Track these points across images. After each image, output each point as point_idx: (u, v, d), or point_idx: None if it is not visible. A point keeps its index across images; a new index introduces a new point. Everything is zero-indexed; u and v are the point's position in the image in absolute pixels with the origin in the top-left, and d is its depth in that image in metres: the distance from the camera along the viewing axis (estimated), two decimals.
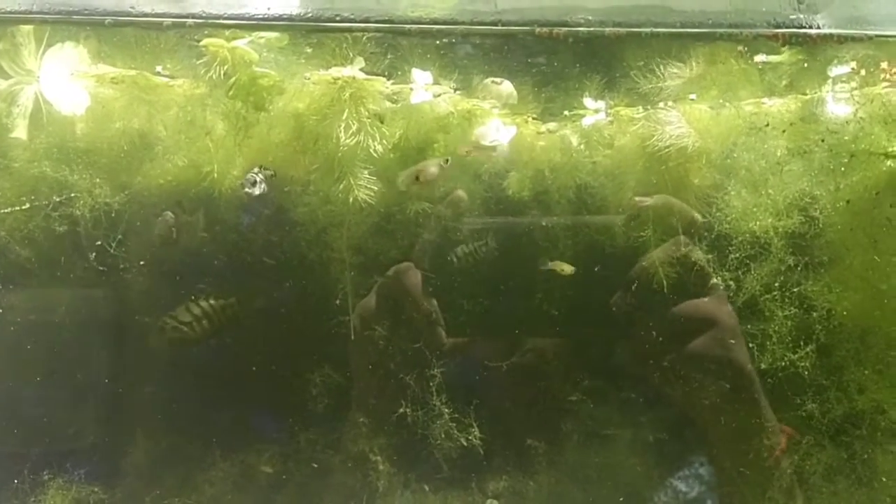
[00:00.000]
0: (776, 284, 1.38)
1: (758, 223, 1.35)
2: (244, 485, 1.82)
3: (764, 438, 1.45)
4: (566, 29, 1.25)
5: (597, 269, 1.65)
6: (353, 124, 1.44)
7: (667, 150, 1.55)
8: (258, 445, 1.82)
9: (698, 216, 1.53)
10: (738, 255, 1.38)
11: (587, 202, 1.79)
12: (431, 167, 1.62)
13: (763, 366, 1.39)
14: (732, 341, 1.44)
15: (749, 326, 1.42)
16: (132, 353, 1.83)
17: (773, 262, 1.37)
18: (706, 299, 1.48)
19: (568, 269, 1.62)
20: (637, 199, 1.63)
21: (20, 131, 1.46)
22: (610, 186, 1.76)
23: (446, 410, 1.65)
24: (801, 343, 1.40)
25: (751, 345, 1.40)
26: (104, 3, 1.26)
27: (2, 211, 1.39)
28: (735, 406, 1.45)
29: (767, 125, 1.35)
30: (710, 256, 1.41)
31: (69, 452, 1.64)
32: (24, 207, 1.40)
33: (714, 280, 1.48)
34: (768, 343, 1.39)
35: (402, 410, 1.65)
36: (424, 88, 1.52)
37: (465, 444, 1.67)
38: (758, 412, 1.46)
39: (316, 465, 1.77)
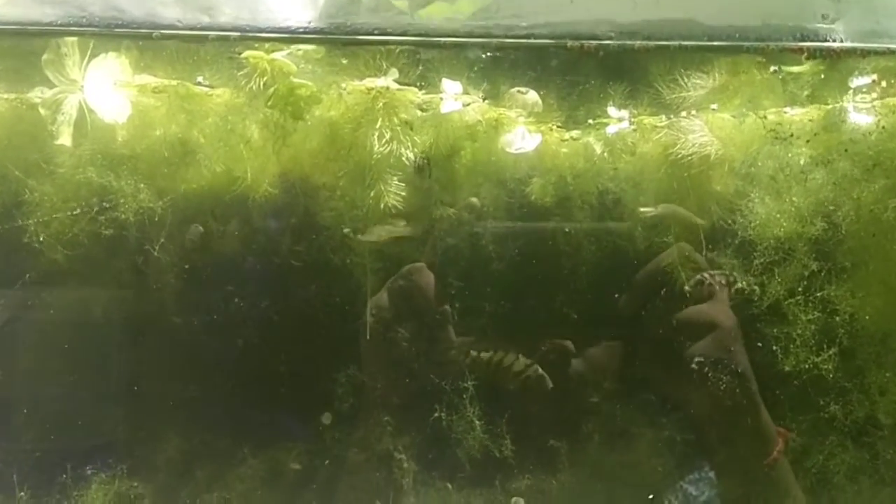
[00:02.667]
0: (799, 289, 1.42)
1: (782, 229, 1.38)
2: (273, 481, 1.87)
3: (761, 441, 1.50)
4: (596, 42, 1.29)
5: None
6: (386, 132, 1.49)
7: (689, 157, 1.59)
8: (287, 443, 1.88)
9: (702, 223, 1.58)
10: (762, 260, 1.42)
11: (609, 207, 1.83)
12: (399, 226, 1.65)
13: (787, 368, 1.42)
14: (732, 345, 1.49)
15: (774, 330, 1.45)
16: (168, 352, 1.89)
17: (796, 267, 1.41)
18: (707, 304, 1.54)
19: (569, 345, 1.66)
20: (642, 209, 1.68)
21: (65, 138, 1.50)
22: (631, 192, 1.80)
23: (470, 411, 1.69)
24: (825, 346, 1.44)
25: (775, 348, 1.43)
26: (152, 16, 1.31)
27: (57, 215, 1.45)
28: (733, 408, 1.50)
29: (792, 135, 1.39)
30: (734, 262, 1.44)
31: (109, 448, 1.68)
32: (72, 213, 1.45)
33: (712, 282, 1.54)
34: (792, 346, 1.42)
35: (419, 409, 1.70)
36: (454, 98, 1.56)
37: (487, 443, 1.72)
38: (755, 414, 1.50)
39: (328, 462, 1.81)
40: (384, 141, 1.48)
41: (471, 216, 1.78)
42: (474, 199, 1.75)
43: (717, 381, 1.49)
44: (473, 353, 1.66)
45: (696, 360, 1.50)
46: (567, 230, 1.82)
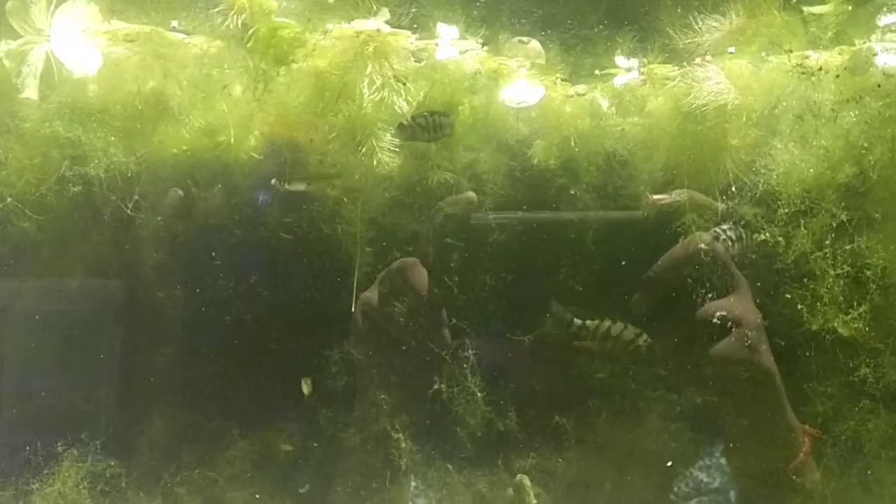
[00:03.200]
0: (826, 242, 1.30)
1: (808, 175, 1.27)
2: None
3: (787, 443, 1.40)
4: None
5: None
6: (377, 79, 1.38)
7: (703, 108, 1.48)
8: (278, 424, 1.78)
9: (720, 207, 1.46)
10: (787, 210, 1.30)
11: (616, 171, 1.72)
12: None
13: (814, 328, 1.31)
14: (756, 342, 1.37)
15: (799, 287, 1.34)
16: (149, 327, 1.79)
17: (823, 217, 1.29)
18: (729, 298, 1.41)
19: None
20: (654, 197, 1.54)
21: (31, 91, 1.40)
22: (640, 155, 1.69)
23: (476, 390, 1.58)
24: (854, 304, 1.32)
25: (800, 306, 1.32)
26: None
27: None
28: (758, 409, 1.39)
29: (821, 69, 1.27)
30: (757, 211, 1.33)
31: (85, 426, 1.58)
32: None
33: (737, 276, 1.41)
34: (819, 304, 1.31)
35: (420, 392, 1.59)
36: (450, 44, 1.45)
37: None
38: (781, 415, 1.39)
39: (316, 445, 1.71)
40: (374, 89, 1.37)
41: (468, 211, 1.64)
42: (472, 194, 1.61)
43: (741, 382, 1.38)
44: (577, 321, 1.49)
45: (720, 361, 1.37)
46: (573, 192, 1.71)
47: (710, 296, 1.41)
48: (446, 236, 1.60)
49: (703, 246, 1.40)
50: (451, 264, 1.61)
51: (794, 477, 1.38)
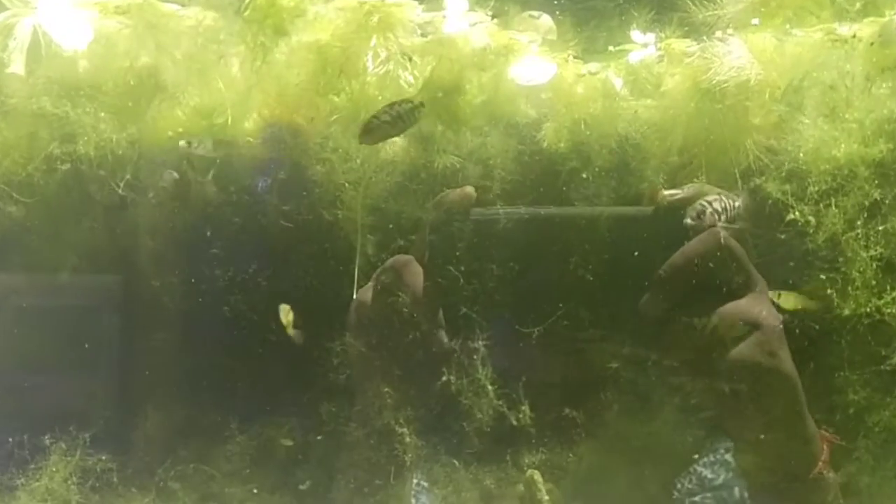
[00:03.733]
0: (859, 222, 1.23)
1: (839, 151, 1.19)
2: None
3: (806, 453, 1.32)
4: None
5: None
6: (382, 53, 1.31)
7: (724, 85, 1.41)
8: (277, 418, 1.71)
9: (739, 201, 1.36)
10: (816, 188, 1.23)
11: (629, 154, 1.65)
12: None
13: (846, 312, 1.24)
14: (776, 347, 1.28)
15: (829, 269, 1.27)
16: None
17: (856, 196, 1.22)
18: (747, 299, 1.31)
19: None
20: (666, 192, 1.44)
21: (17, 66, 1.34)
22: (654, 138, 1.62)
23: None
24: (888, 287, 1.25)
25: (830, 290, 1.25)
26: None
27: None
28: (777, 417, 1.30)
29: (854, 36, 1.20)
30: (786, 187, 1.25)
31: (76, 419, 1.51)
32: None
33: (754, 275, 1.31)
34: (850, 288, 1.24)
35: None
36: (459, 17, 1.38)
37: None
38: (801, 425, 1.31)
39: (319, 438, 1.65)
40: (378, 62, 1.30)
41: (465, 208, 1.49)
42: (469, 189, 1.48)
43: (760, 389, 1.29)
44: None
45: (737, 367, 1.28)
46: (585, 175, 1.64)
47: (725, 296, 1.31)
48: (443, 233, 1.50)
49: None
50: (447, 263, 1.51)
51: (814, 486, 1.31)
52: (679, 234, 1.33)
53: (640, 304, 1.39)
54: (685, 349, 1.36)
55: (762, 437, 1.31)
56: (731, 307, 1.29)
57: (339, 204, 1.60)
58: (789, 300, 1.34)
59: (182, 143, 1.46)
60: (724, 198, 1.35)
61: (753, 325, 1.28)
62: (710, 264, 1.29)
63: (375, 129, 1.38)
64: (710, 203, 1.33)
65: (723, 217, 1.33)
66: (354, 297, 1.54)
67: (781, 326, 1.28)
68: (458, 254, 1.46)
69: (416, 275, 1.44)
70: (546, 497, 1.49)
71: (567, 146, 1.66)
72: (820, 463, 1.30)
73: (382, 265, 1.48)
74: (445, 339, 1.47)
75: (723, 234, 1.29)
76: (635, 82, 1.57)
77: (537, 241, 1.56)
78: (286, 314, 1.53)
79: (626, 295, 1.42)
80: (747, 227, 1.34)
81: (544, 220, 1.60)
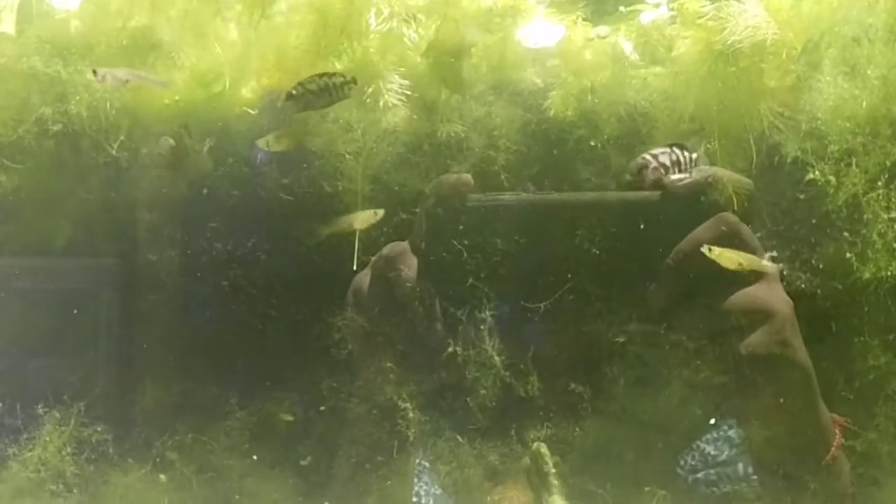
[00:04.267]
0: (880, 183, 1.18)
1: (859, 110, 1.15)
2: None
3: (819, 441, 1.29)
4: None
5: None
6: (385, 10, 1.26)
7: (738, 45, 1.36)
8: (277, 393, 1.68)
9: (750, 183, 1.31)
10: (836, 147, 1.18)
11: (639, 122, 1.60)
12: None
13: (867, 275, 1.19)
14: (789, 335, 1.23)
15: (847, 232, 1.22)
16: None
17: (877, 155, 1.17)
18: (758, 286, 1.26)
19: None
20: (673, 177, 1.34)
21: (7, 26, 1.30)
22: (664, 106, 1.57)
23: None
24: None
25: (849, 255, 1.20)
26: None
27: None
28: (790, 406, 1.26)
29: None
30: (806, 145, 1.20)
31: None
32: None
33: (766, 260, 1.27)
34: (870, 251, 1.19)
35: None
36: None
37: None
38: (815, 413, 1.28)
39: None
40: (382, 20, 1.25)
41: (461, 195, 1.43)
42: (466, 176, 1.43)
43: (772, 379, 1.25)
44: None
45: (750, 357, 1.23)
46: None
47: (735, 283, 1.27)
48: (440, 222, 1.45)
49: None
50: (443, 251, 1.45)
51: (827, 472, 1.28)
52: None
53: (647, 293, 1.36)
54: (697, 332, 1.32)
55: (774, 425, 1.28)
56: (742, 295, 1.26)
57: (339, 175, 1.56)
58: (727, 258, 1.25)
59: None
60: (675, 150, 1.28)
61: (766, 314, 1.24)
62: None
63: (299, 97, 1.34)
64: (654, 157, 1.27)
65: (675, 170, 1.27)
66: (354, 269, 1.51)
67: (793, 312, 1.24)
68: (454, 242, 1.42)
69: (412, 264, 1.40)
70: (553, 470, 1.46)
71: (574, 114, 1.61)
72: (833, 450, 1.28)
73: (379, 252, 1.44)
74: (441, 330, 1.43)
75: (732, 218, 1.26)
76: (646, 44, 1.52)
77: (538, 231, 1.51)
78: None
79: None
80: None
81: (546, 208, 1.54)
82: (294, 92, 1.33)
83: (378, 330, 1.44)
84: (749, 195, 1.29)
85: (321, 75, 1.34)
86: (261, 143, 1.50)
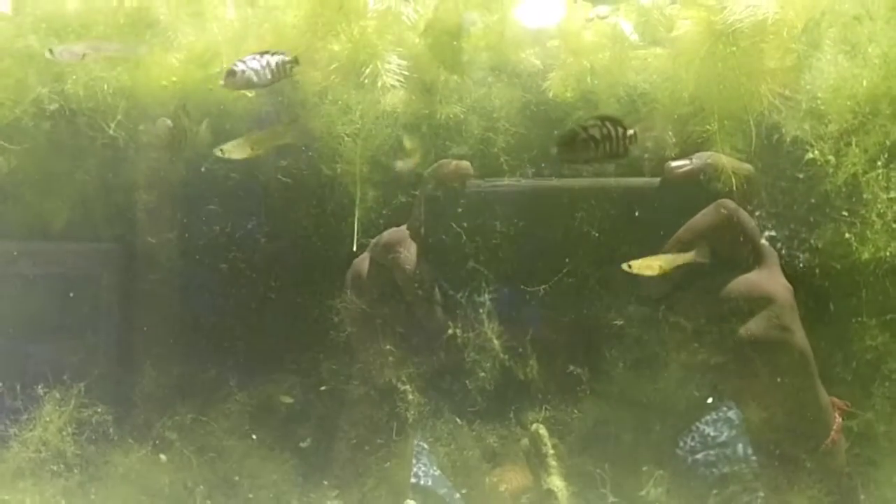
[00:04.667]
0: (879, 163, 1.18)
1: (860, 88, 1.14)
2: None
3: (819, 426, 1.29)
4: None
5: None
6: None
7: (738, 24, 1.35)
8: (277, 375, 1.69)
9: (750, 168, 1.30)
10: (834, 127, 1.18)
11: (637, 103, 1.59)
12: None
13: (865, 256, 1.19)
14: (789, 321, 1.23)
15: (846, 213, 1.22)
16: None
17: (877, 135, 1.17)
18: (757, 272, 1.26)
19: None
20: (672, 164, 1.34)
21: (2, 4, 1.30)
22: (664, 87, 1.56)
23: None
24: None
25: (847, 235, 1.20)
26: None
27: None
28: (790, 392, 1.27)
29: None
30: (806, 126, 1.20)
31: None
32: None
33: (765, 247, 1.26)
34: (869, 231, 1.19)
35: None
36: None
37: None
38: (814, 398, 1.28)
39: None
40: None
41: (460, 181, 1.42)
42: (465, 163, 1.42)
43: (772, 366, 1.25)
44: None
45: (751, 343, 1.23)
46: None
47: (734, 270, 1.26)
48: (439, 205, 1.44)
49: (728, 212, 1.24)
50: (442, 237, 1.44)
51: (825, 455, 1.28)
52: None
53: (646, 281, 1.32)
54: (696, 317, 1.30)
55: (773, 411, 1.28)
56: (743, 281, 1.25)
57: (337, 157, 1.55)
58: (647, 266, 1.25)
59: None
60: (607, 124, 1.24)
61: (766, 300, 1.23)
62: (718, 238, 1.25)
63: (238, 73, 1.31)
64: (584, 129, 1.22)
65: (606, 145, 1.23)
66: (354, 251, 1.51)
67: (793, 297, 1.24)
68: (454, 225, 1.42)
69: (410, 250, 1.39)
70: (552, 451, 1.46)
71: (574, 95, 1.60)
72: (832, 433, 1.28)
73: (378, 236, 1.43)
74: (440, 313, 1.43)
75: (731, 203, 1.25)
76: (646, 25, 1.51)
77: (537, 214, 1.51)
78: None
79: None
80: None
81: (545, 193, 1.54)
82: (234, 68, 1.30)
83: (377, 313, 1.44)
84: (748, 178, 1.29)
85: (263, 53, 1.32)
86: (216, 150, 1.47)
